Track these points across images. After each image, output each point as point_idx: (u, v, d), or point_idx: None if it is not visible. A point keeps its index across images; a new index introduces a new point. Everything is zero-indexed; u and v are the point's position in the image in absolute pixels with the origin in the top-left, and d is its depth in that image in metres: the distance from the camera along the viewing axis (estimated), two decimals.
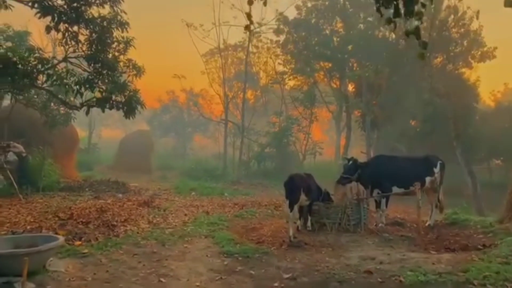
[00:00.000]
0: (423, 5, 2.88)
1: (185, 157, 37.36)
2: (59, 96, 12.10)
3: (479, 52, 25.19)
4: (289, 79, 32.12)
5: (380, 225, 9.17)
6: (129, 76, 11.11)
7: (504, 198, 9.42)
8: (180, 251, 7.05)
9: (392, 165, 9.68)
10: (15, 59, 8.98)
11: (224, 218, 10.29)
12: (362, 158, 10.98)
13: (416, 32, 2.86)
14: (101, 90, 10.53)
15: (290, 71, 30.73)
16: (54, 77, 9.57)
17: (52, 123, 14.46)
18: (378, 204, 9.47)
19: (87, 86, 10.14)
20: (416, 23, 2.91)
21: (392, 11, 3.02)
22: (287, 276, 5.83)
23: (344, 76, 27.80)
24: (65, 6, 9.50)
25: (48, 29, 9.70)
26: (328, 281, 5.69)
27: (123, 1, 10.43)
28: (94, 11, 10.20)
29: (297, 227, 8.85)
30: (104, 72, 10.46)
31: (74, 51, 10.75)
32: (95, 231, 7.97)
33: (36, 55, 9.75)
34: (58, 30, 9.83)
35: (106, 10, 10.39)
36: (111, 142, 36.44)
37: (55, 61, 10.63)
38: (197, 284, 5.44)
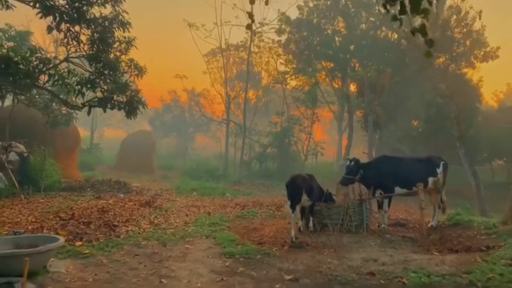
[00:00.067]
0: (430, 2, 2.84)
1: (187, 157, 37.38)
2: (61, 96, 12.10)
3: (482, 52, 25.11)
4: (291, 79, 32.12)
5: (382, 226, 9.12)
6: (130, 76, 11.11)
7: (507, 199, 9.37)
8: (181, 252, 7.01)
9: (394, 165, 9.63)
10: (16, 59, 8.97)
11: (226, 219, 10.27)
12: (364, 159, 10.92)
13: (422, 29, 2.81)
14: (102, 90, 10.52)
15: (291, 71, 30.68)
16: (56, 77, 9.56)
17: (54, 123, 14.48)
18: (380, 205, 9.43)
19: (89, 86, 10.14)
20: (421, 20, 2.86)
21: (398, 8, 2.96)
22: (289, 277, 5.78)
23: (346, 76, 27.74)
24: (67, 6, 9.49)
25: (49, 29, 9.70)
26: (331, 282, 5.64)
27: (124, 1, 10.45)
28: (95, 10, 10.20)
29: (299, 228, 8.81)
30: (106, 72, 10.45)
31: (76, 51, 10.75)
32: (96, 231, 7.95)
33: (37, 55, 9.76)
34: (59, 30, 9.83)
35: (107, 10, 10.41)
36: (113, 142, 36.48)
37: (57, 61, 10.63)
38: (198, 285, 5.41)
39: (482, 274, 5.55)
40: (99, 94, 10.66)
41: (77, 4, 9.56)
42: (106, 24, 10.29)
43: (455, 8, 23.79)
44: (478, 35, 24.56)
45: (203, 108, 43.31)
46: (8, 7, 9.39)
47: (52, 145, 15.21)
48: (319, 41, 27.48)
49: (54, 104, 14.09)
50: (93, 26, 10.15)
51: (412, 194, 9.23)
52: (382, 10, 24.77)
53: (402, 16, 2.87)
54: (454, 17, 23.87)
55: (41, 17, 9.26)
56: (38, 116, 14.58)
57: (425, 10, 2.75)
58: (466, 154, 19.05)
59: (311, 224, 8.84)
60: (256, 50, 34.11)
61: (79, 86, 9.91)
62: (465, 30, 24.15)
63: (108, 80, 10.53)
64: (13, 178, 11.92)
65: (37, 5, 9.03)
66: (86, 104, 10.63)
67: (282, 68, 32.66)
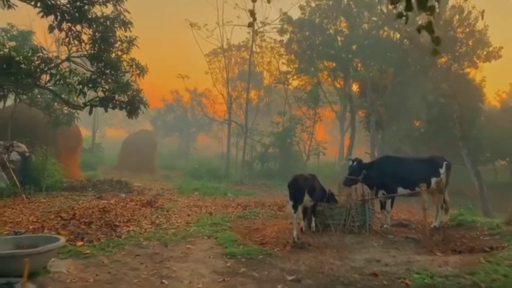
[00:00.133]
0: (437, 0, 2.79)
1: (189, 157, 37.38)
2: (62, 95, 12.10)
3: (485, 52, 25.07)
4: (293, 79, 32.07)
5: (385, 226, 9.07)
6: (132, 75, 11.09)
7: (510, 199, 9.32)
8: (182, 252, 6.97)
9: (397, 165, 9.58)
10: (18, 58, 8.99)
11: (227, 219, 10.23)
12: (366, 159, 10.87)
13: (429, 27, 2.76)
14: (104, 89, 10.51)
15: (293, 71, 30.65)
16: (57, 77, 9.57)
17: (56, 123, 14.48)
18: (383, 205, 9.38)
19: (90, 85, 10.14)
20: (428, 18, 2.81)
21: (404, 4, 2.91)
22: (291, 278, 5.74)
23: (348, 76, 27.69)
24: (68, 5, 9.49)
25: (51, 28, 9.70)
26: (333, 283, 5.59)
27: (126, 0, 10.41)
28: (97, 10, 10.20)
29: (301, 228, 8.77)
30: (107, 71, 10.46)
31: (77, 51, 10.76)
32: (97, 231, 7.92)
33: (39, 54, 9.76)
34: (61, 30, 9.81)
35: (109, 9, 10.40)
36: (115, 142, 36.50)
37: (58, 61, 10.62)
38: (200, 286, 5.36)
39: (486, 275, 5.49)
40: (100, 94, 10.66)
41: (78, 3, 9.56)
42: (108, 23, 10.30)
43: (457, 8, 23.75)
44: (480, 35, 24.50)
45: (205, 108, 43.36)
46: (9, 7, 9.39)
47: (54, 145, 15.21)
48: (321, 41, 27.42)
49: (55, 103, 14.10)
50: (94, 26, 10.15)
51: (415, 195, 9.18)
52: (385, 10, 24.67)
53: (408, 13, 2.81)
54: (457, 16, 23.82)
55: (42, 16, 9.26)
56: (40, 116, 14.58)
57: (432, 8, 2.70)
58: (469, 154, 18.97)
59: (313, 224, 8.79)
60: (258, 50, 34.16)
61: (80, 86, 9.91)
62: (467, 30, 24.10)
63: (109, 80, 10.53)
64: (15, 178, 11.92)
65: (38, 4, 9.02)
66: (88, 103, 10.63)
67: (284, 68, 32.70)
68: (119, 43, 10.77)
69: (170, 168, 29.25)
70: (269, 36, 33.82)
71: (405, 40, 25.10)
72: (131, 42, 10.87)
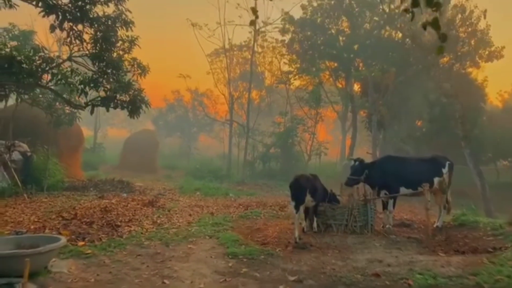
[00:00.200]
0: None
1: (190, 157, 37.37)
2: (64, 95, 12.09)
3: (487, 52, 25.00)
4: (295, 79, 32.02)
5: (387, 226, 9.03)
6: (133, 75, 11.08)
7: None
8: (184, 252, 6.95)
9: (399, 165, 9.54)
10: (20, 58, 8.98)
11: (229, 219, 10.21)
12: (368, 159, 10.83)
13: (435, 23, 2.73)
14: (105, 89, 10.50)
15: (295, 70, 30.60)
16: (59, 76, 9.56)
17: (57, 123, 14.48)
18: (385, 205, 9.34)
19: (92, 85, 10.13)
20: (434, 14, 2.77)
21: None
22: (292, 278, 5.71)
23: (350, 76, 27.64)
24: (70, 5, 9.47)
25: (52, 28, 9.69)
26: (335, 284, 5.56)
27: None
28: (98, 9, 10.19)
29: (303, 228, 8.74)
30: (109, 71, 10.44)
31: (79, 50, 10.74)
32: (98, 231, 7.91)
33: (40, 54, 9.75)
34: (62, 29, 9.81)
35: (110, 9, 10.39)
36: (117, 142, 36.54)
37: (60, 60, 10.61)
38: (201, 286, 5.34)
39: (489, 276, 5.46)
40: (102, 93, 10.64)
41: (80, 3, 9.55)
42: (109, 23, 10.29)
43: (459, 7, 23.68)
44: (482, 35, 24.44)
45: (206, 108, 43.34)
46: (11, 6, 9.39)
47: (55, 145, 15.22)
48: (323, 41, 27.39)
49: (57, 103, 14.10)
50: (96, 25, 10.14)
51: (417, 195, 9.13)
52: (387, 10, 24.62)
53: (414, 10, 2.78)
54: (459, 16, 23.75)
55: (43, 16, 9.26)
56: (42, 116, 14.59)
57: (438, 4, 2.67)
58: (471, 154, 18.91)
59: (315, 224, 8.77)
60: (260, 50, 34.11)
61: (82, 85, 9.90)
62: (469, 29, 24.04)
63: (111, 79, 10.52)
64: (16, 178, 11.92)
65: (40, 4, 9.01)
66: (89, 103, 10.62)
67: (285, 68, 32.63)
68: (120, 42, 10.76)
69: (172, 168, 29.25)
70: (271, 36, 33.75)
71: (407, 40, 25.06)
72: (132, 41, 10.86)
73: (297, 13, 29.42)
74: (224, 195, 16.01)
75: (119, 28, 10.47)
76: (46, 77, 10.44)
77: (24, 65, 9.01)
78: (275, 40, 32.05)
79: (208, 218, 10.22)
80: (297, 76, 31.37)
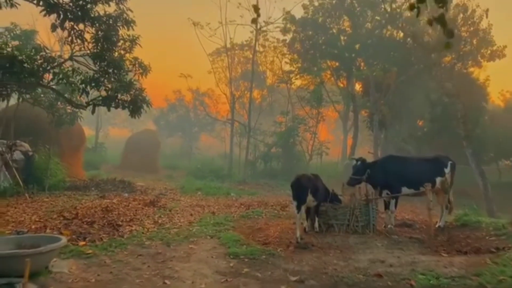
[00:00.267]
0: None
1: (191, 156, 37.36)
2: (65, 95, 12.07)
3: (489, 51, 24.92)
4: (296, 79, 31.95)
5: (389, 226, 8.99)
6: (135, 75, 11.05)
7: None
8: (185, 252, 6.94)
9: (402, 165, 9.51)
10: (21, 57, 8.95)
11: (230, 219, 10.19)
12: (369, 158, 10.79)
13: (441, 19, 2.69)
14: (107, 88, 10.47)
15: (296, 70, 30.55)
16: (60, 76, 9.53)
17: (59, 122, 14.47)
18: (387, 205, 9.30)
19: (93, 84, 10.10)
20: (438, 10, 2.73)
21: None
22: (294, 278, 5.69)
23: (351, 75, 27.57)
24: (71, 4, 9.45)
25: (53, 27, 9.66)
26: (337, 284, 5.54)
27: None
28: (99, 8, 10.15)
29: (304, 228, 8.72)
30: (110, 70, 10.41)
31: (80, 50, 10.73)
32: (99, 231, 7.90)
33: (42, 53, 9.73)
34: (63, 28, 9.78)
35: (112, 8, 10.35)
36: (118, 142, 36.55)
37: (61, 60, 10.59)
38: (202, 286, 5.33)
39: (492, 277, 5.43)
40: (103, 93, 10.61)
41: (81, 2, 9.52)
42: (110, 22, 10.25)
43: (461, 6, 23.61)
44: (484, 34, 24.37)
45: (207, 108, 43.32)
46: (12, 5, 9.35)
47: (57, 144, 15.21)
48: (324, 40, 27.34)
49: (59, 103, 14.07)
50: (97, 24, 10.11)
51: (419, 194, 9.09)
52: (388, 9, 24.52)
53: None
54: (461, 15, 23.68)
55: (44, 15, 9.23)
56: (43, 115, 14.57)
57: (444, 0, 2.63)
58: (473, 153, 18.84)
59: (316, 224, 8.74)
60: (261, 49, 34.05)
61: (83, 85, 9.87)
62: (471, 28, 23.97)
63: (112, 79, 10.49)
64: (18, 177, 11.92)
65: (41, 3, 9.00)
66: (91, 103, 10.60)
67: (287, 67, 32.56)
68: (122, 42, 10.72)
69: (173, 167, 29.25)
70: (272, 36, 33.68)
71: (409, 39, 24.99)
72: (134, 41, 10.82)
73: (298, 13, 29.43)
74: (225, 195, 15.98)
75: (120, 27, 10.43)
76: (48, 76, 10.42)
77: (25, 65, 8.99)
78: (276, 40, 32.03)
79: (209, 218, 10.20)
80: (298, 76, 31.31)
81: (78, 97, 12.04)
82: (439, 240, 8.09)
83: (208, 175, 23.47)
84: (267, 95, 40.06)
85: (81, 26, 10.07)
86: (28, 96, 13.11)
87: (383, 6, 25.51)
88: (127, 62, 10.80)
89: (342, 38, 27.78)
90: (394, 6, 25.44)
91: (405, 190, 9.13)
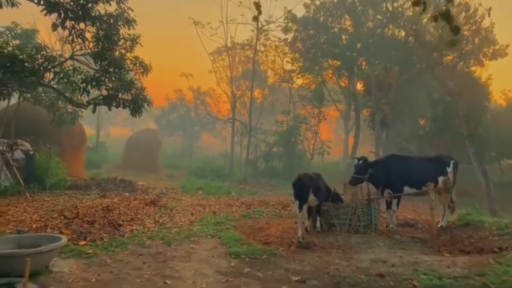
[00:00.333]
0: None
1: (192, 156, 37.34)
2: (66, 94, 12.05)
3: (491, 50, 24.84)
4: (297, 78, 31.89)
5: (391, 226, 8.95)
6: (135, 74, 11.02)
7: None
8: (186, 252, 6.91)
9: (404, 164, 9.46)
10: (22, 57, 8.92)
11: (231, 218, 10.15)
12: (371, 158, 10.75)
13: (447, 15, 2.65)
14: (107, 88, 10.44)
15: (298, 69, 30.47)
16: (61, 75, 9.49)
17: (60, 121, 14.47)
18: (389, 205, 9.26)
19: (94, 84, 10.08)
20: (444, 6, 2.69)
21: None
22: (296, 278, 5.66)
23: (353, 75, 27.52)
24: (71, 3, 9.42)
25: (54, 26, 9.64)
26: (339, 284, 5.51)
27: None
28: (100, 8, 10.11)
29: (306, 228, 8.68)
30: (111, 69, 10.39)
31: (81, 49, 10.70)
32: (100, 230, 7.88)
33: (43, 53, 9.70)
34: (64, 28, 9.76)
35: (112, 7, 10.32)
36: (119, 141, 36.55)
37: (62, 59, 10.57)
38: (203, 286, 5.30)
39: (495, 277, 5.38)
40: (104, 92, 10.59)
41: (81, 1, 9.49)
42: (111, 21, 10.22)
43: (463, 5, 23.53)
44: (487, 33, 24.29)
45: (208, 107, 43.29)
46: (13, 5, 9.33)
47: (58, 143, 15.21)
48: (325, 39, 27.28)
49: (59, 102, 14.07)
50: (98, 24, 10.08)
51: (421, 194, 9.05)
52: (390, 8, 24.44)
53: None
54: (463, 14, 23.59)
55: (45, 14, 9.21)
56: (44, 114, 14.57)
57: None
58: (475, 153, 18.78)
59: (318, 224, 8.70)
60: (262, 48, 33.97)
61: (84, 84, 9.84)
62: (474, 27, 23.87)
63: (113, 78, 10.47)
64: (19, 176, 11.91)
65: (42, 2, 8.97)
66: (91, 102, 10.58)
67: (288, 66, 32.50)
68: (122, 41, 10.70)
69: (174, 167, 29.23)
70: (274, 35, 33.67)
71: (410, 38, 24.91)
72: (134, 40, 10.80)
73: (299, 12, 29.35)
74: (226, 194, 15.95)
75: (121, 26, 10.40)
76: (48, 75, 10.40)
77: (26, 64, 8.96)
78: (277, 39, 31.97)
79: (210, 217, 10.17)
80: (299, 75, 31.25)
81: (79, 96, 12.02)
82: (442, 240, 8.05)
83: (209, 174, 23.46)
84: (268, 94, 40.01)
85: (82, 25, 10.05)
86: (29, 95, 13.11)
87: (384, 5, 25.43)
88: (128, 61, 10.77)
89: (343, 37, 27.70)
90: (395, 5, 25.36)
91: (407, 189, 9.08)
